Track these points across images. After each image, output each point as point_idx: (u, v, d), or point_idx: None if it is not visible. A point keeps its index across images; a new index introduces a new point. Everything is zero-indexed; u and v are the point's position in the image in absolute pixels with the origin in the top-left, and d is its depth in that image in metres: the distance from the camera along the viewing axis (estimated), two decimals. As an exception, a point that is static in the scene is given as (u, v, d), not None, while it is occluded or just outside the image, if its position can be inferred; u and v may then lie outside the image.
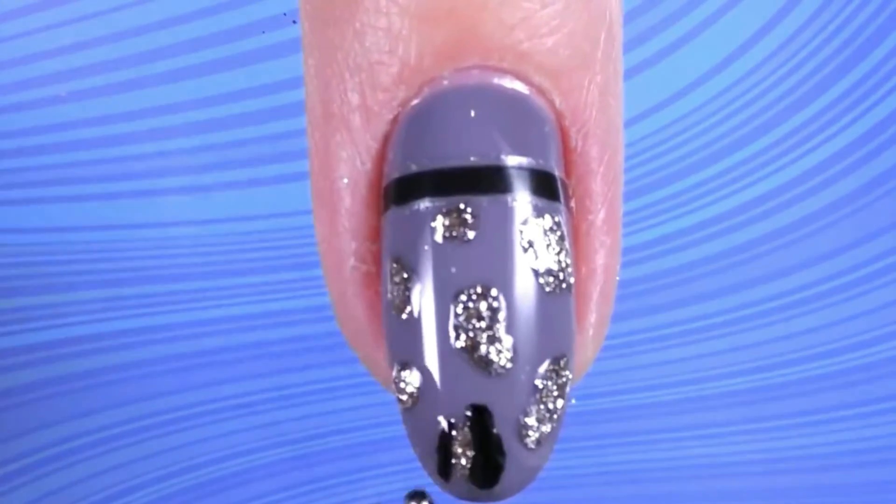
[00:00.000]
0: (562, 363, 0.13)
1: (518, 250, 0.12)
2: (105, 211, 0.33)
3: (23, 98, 0.32)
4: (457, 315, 0.12)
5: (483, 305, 0.12)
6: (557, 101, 0.13)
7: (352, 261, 0.13)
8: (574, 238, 0.13)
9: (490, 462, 0.12)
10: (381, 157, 0.13)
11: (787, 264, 0.35)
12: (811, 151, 0.33)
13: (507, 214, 0.12)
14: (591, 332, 0.14)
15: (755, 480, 0.38)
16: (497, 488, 0.12)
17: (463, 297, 0.12)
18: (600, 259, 0.14)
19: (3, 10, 0.31)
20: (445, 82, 0.12)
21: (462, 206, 0.12)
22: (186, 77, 0.31)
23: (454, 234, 0.12)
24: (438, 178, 0.12)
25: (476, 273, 0.12)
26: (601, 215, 0.13)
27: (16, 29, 0.31)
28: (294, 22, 0.29)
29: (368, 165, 0.13)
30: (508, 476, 0.12)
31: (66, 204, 0.33)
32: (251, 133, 0.32)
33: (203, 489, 0.37)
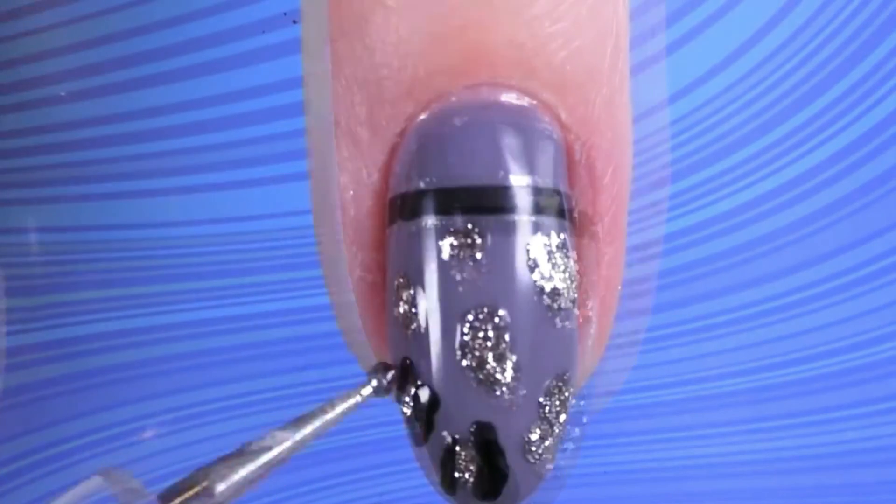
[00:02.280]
0: (565, 378, 0.13)
1: (524, 271, 0.12)
2: (105, 211, 0.33)
3: (23, 98, 0.32)
4: (463, 334, 0.12)
5: (489, 326, 0.12)
6: (563, 116, 0.13)
7: (358, 271, 0.13)
8: (577, 249, 0.13)
9: (493, 476, 0.13)
10: (387, 169, 0.13)
11: (787, 264, 0.35)
12: (811, 151, 0.33)
13: (513, 235, 0.12)
14: (590, 342, 0.14)
15: (755, 480, 0.38)
16: (500, 500, 0.13)
17: (469, 317, 0.12)
18: (602, 270, 0.14)
19: (2, 10, 0.31)
20: (454, 99, 0.12)
21: (469, 226, 0.12)
22: (186, 77, 0.31)
23: (461, 254, 0.12)
24: (446, 196, 0.12)
25: (482, 294, 0.12)
26: (605, 226, 0.13)
27: (16, 29, 0.31)
28: (294, 22, 0.29)
29: (375, 177, 0.13)
30: (511, 489, 0.13)
31: (66, 204, 0.33)
32: (251, 133, 0.32)
33: (203, 489, 0.37)
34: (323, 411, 0.12)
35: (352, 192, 0.13)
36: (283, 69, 0.31)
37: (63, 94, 0.31)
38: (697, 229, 0.34)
